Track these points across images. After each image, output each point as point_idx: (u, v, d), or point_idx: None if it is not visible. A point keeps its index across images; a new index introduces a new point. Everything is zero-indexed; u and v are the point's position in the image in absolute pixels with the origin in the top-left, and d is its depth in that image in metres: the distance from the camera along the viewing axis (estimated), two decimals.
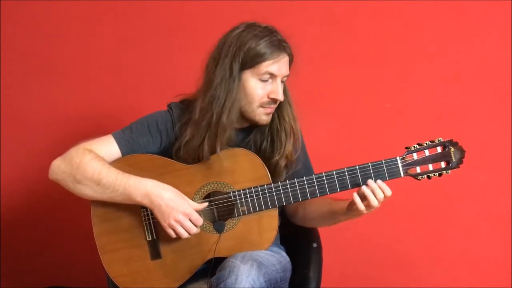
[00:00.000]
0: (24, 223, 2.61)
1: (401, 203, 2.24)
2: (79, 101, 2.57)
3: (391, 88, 2.44)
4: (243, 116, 1.74)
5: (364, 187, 1.63)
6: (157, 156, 1.74)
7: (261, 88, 1.69)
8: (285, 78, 1.73)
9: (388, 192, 1.64)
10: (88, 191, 1.67)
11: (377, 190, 1.63)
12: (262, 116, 1.72)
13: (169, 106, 1.82)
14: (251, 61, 1.67)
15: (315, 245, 1.92)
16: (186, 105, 1.79)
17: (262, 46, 1.66)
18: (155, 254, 1.72)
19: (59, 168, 1.70)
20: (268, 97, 1.70)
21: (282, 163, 1.76)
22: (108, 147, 1.73)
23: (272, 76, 1.69)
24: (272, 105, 1.72)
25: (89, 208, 1.74)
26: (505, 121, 2.37)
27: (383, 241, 2.46)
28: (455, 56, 2.40)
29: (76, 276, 2.59)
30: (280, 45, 1.68)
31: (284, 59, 1.70)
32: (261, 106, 1.71)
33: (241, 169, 1.70)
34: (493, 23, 2.38)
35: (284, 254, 1.85)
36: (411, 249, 2.47)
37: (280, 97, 1.70)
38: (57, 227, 2.62)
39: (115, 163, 1.71)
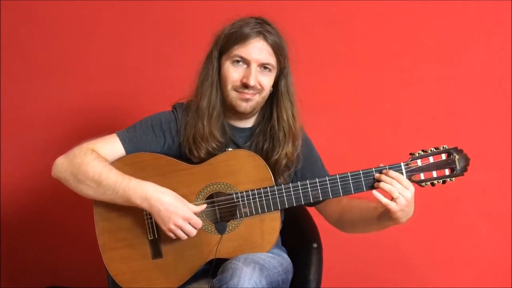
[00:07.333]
0: (24, 223, 2.61)
1: None
2: (79, 101, 2.57)
3: (391, 89, 2.44)
4: (229, 104, 1.75)
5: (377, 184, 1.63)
6: (161, 155, 1.74)
7: (234, 71, 1.72)
8: (268, 67, 1.72)
9: (404, 181, 1.63)
10: (89, 191, 1.67)
11: (387, 179, 1.63)
12: (238, 101, 1.73)
13: (173, 106, 1.82)
14: (225, 45, 1.73)
15: (315, 245, 1.92)
16: (190, 105, 1.80)
17: (235, 31, 1.72)
18: (157, 253, 1.72)
19: (62, 165, 1.70)
20: (241, 81, 1.71)
21: (282, 162, 1.76)
22: (112, 145, 1.73)
23: (245, 60, 1.71)
24: (246, 90, 1.71)
25: (89, 208, 1.73)
26: (505, 122, 2.38)
27: (383, 241, 2.45)
28: (454, 57, 2.41)
29: (76, 276, 2.59)
30: (253, 30, 1.71)
31: (255, 44, 1.71)
32: (235, 89, 1.72)
33: (245, 171, 1.70)
34: (493, 23, 2.38)
35: (285, 256, 1.85)
36: (411, 249, 2.48)
37: (251, 82, 1.69)
38: (57, 227, 2.62)
39: (120, 161, 1.72)
